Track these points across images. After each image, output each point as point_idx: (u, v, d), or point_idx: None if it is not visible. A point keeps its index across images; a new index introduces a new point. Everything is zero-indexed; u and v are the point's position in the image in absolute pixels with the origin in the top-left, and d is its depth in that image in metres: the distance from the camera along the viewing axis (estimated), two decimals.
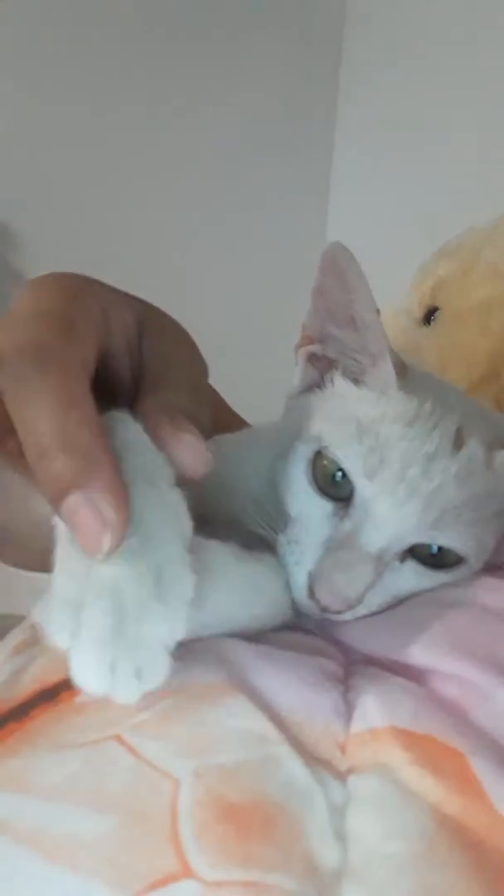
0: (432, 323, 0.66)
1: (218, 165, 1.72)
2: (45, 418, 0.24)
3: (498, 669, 0.26)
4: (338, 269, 0.33)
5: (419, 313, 0.67)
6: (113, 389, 0.30)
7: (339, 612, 0.31)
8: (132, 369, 0.30)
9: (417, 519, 0.31)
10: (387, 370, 0.34)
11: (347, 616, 0.32)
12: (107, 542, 0.23)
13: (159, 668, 0.24)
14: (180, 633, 0.24)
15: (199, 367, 0.32)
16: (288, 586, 0.32)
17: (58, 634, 0.24)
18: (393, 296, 0.69)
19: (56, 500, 0.24)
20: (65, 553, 0.25)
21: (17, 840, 0.22)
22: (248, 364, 1.31)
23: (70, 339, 0.26)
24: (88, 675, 0.23)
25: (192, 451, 0.27)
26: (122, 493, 0.24)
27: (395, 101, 1.50)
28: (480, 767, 0.23)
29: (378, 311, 0.33)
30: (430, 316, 0.67)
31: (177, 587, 0.24)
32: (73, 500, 0.23)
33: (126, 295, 0.31)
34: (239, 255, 1.79)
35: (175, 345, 0.32)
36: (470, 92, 1.24)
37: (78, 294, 0.29)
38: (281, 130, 1.76)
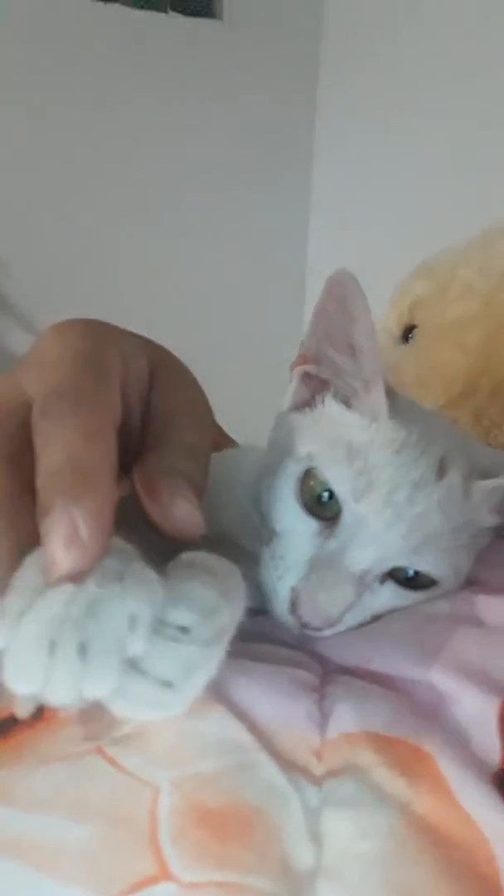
0: (410, 341, 0.68)
1: (202, 190, 1.75)
2: (68, 447, 0.24)
3: (466, 674, 0.27)
4: (342, 295, 0.34)
5: (398, 331, 0.69)
6: (121, 438, 0.30)
7: (318, 630, 0.32)
8: (141, 419, 0.30)
9: (401, 543, 0.32)
10: (379, 398, 0.35)
11: (326, 633, 0.32)
12: (72, 558, 0.22)
13: (110, 653, 0.22)
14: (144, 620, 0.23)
15: (203, 415, 0.32)
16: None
17: None
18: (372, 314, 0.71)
19: (42, 514, 0.23)
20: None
21: (1, 849, 0.23)
22: (229, 381, 1.32)
23: (103, 383, 0.27)
24: (20, 661, 0.21)
25: (185, 519, 0.27)
26: (105, 522, 0.23)
27: (372, 122, 1.53)
28: (448, 767, 0.24)
29: (376, 341, 0.34)
30: (408, 334, 0.68)
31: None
32: (56, 514, 0.23)
33: (139, 339, 0.31)
34: (223, 274, 1.81)
35: (182, 392, 0.32)
36: (445, 115, 1.27)
37: (103, 341, 0.29)
38: (260, 156, 1.79)
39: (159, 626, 0.24)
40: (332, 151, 1.74)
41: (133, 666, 0.23)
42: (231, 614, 0.26)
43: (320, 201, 1.79)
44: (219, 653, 0.25)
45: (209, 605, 0.25)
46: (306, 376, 0.38)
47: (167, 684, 0.23)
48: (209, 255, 1.79)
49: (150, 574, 0.24)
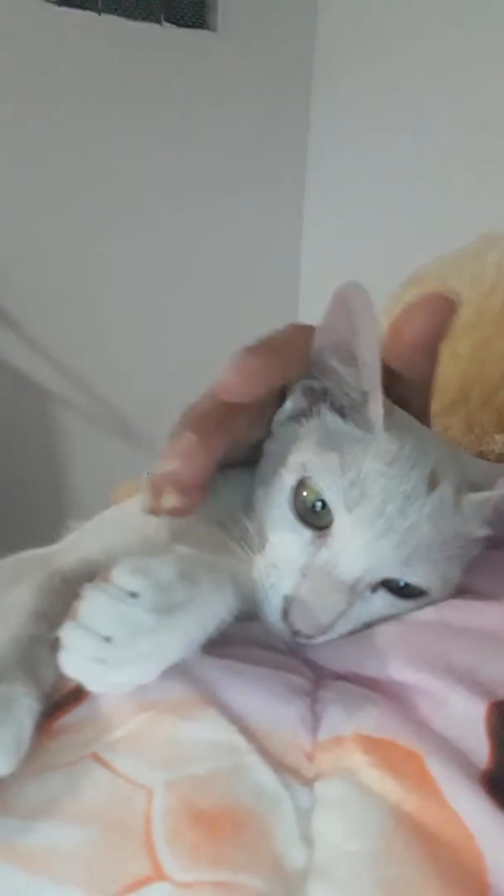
0: None
1: (197, 199, 1.76)
2: None
3: (453, 677, 0.28)
4: (349, 306, 0.34)
5: None
6: None
7: (309, 637, 0.33)
8: None
9: (392, 553, 0.33)
10: (376, 410, 0.35)
11: (318, 641, 0.33)
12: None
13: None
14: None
15: None
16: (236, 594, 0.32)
17: None
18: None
19: None
20: None
21: None
22: None
23: None
24: None
25: None
26: None
27: (365, 130, 1.54)
28: (436, 767, 0.24)
29: (379, 354, 0.34)
30: None
31: None
32: None
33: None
34: (219, 282, 1.82)
35: None
36: (438, 124, 1.28)
37: None
38: (254, 165, 1.80)
39: (107, 587, 0.26)
40: (326, 160, 1.75)
41: (75, 620, 0.25)
42: (192, 596, 0.27)
43: (314, 209, 1.81)
44: (175, 629, 0.27)
45: (163, 578, 0.27)
46: (308, 389, 0.38)
47: (107, 639, 0.25)
48: (205, 262, 1.79)
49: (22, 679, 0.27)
